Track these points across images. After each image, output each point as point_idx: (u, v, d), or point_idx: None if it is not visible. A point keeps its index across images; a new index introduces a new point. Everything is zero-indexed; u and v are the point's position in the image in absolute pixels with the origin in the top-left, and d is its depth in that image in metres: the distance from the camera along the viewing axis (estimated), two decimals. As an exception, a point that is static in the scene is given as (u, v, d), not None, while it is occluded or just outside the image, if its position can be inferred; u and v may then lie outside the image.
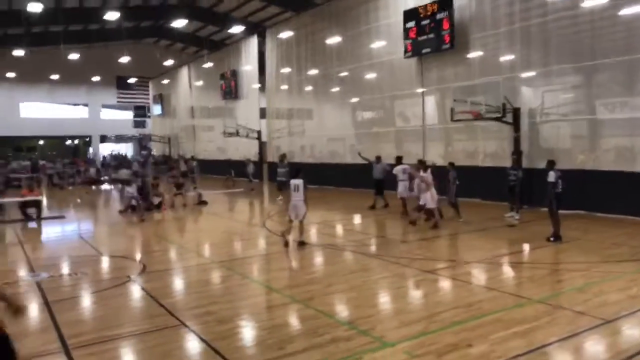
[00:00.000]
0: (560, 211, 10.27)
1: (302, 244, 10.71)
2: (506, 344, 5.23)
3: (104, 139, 50.44)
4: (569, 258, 8.96)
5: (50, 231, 14.57)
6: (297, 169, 11.43)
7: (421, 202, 12.54)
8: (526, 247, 10.25)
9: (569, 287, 7.30)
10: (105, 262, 10.29)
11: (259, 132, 28.81)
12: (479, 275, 8.32)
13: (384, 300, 7.19)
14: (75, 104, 47.62)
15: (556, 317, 6.07)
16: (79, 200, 23.00)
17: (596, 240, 10.39)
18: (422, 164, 13.18)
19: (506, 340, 5.35)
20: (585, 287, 7.22)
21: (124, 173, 27.35)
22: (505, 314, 6.19)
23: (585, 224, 12.09)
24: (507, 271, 8.60)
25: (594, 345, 5.33)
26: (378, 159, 16.17)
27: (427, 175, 12.56)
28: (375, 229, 13.28)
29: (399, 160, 14.96)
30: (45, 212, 17.16)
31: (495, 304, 6.62)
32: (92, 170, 29.31)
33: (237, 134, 28.33)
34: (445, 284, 7.80)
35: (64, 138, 50.00)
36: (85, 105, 47.74)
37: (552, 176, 9.94)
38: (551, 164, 10.29)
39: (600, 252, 9.34)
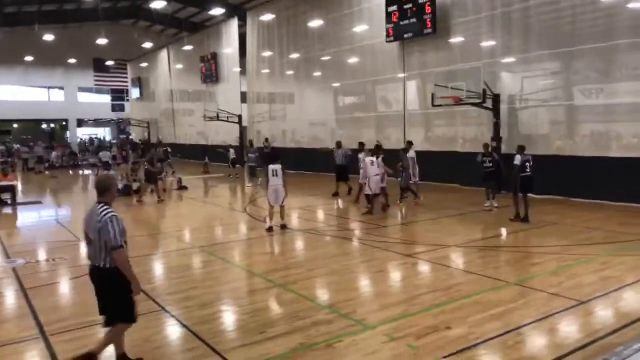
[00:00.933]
0: (537, 196, 10.51)
1: (283, 227, 10.88)
2: (483, 326, 5.35)
3: (81, 122, 49.45)
4: (545, 242, 9.14)
5: (26, 216, 14.31)
6: (275, 154, 11.54)
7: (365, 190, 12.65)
8: (503, 231, 10.43)
9: (544, 270, 7.46)
10: (83, 248, 10.13)
11: (239, 117, 28.54)
12: (457, 259, 8.45)
13: (364, 283, 7.27)
14: (50, 87, 46.50)
15: (531, 299, 6.21)
16: (55, 185, 22.59)
17: (572, 224, 10.62)
18: (372, 150, 13.34)
19: (483, 322, 5.46)
20: (560, 269, 7.39)
21: (105, 155, 27.00)
22: (482, 296, 6.31)
23: (561, 209, 12.33)
24: (485, 255, 8.74)
25: (568, 325, 5.47)
26: (338, 144, 16.05)
27: (367, 162, 12.60)
28: (355, 214, 13.34)
29: (361, 146, 14.87)
30: (20, 197, 16.83)
31: (473, 286, 6.74)
32: (105, 154, 27.76)
33: (217, 118, 28.03)
34: (424, 267, 7.90)
35: (40, 122, 48.90)
36: (61, 88, 46.62)
37: (517, 159, 10.59)
38: (521, 149, 10.87)
39: (575, 235, 9.56)
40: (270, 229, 10.71)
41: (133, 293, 4.55)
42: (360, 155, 14.08)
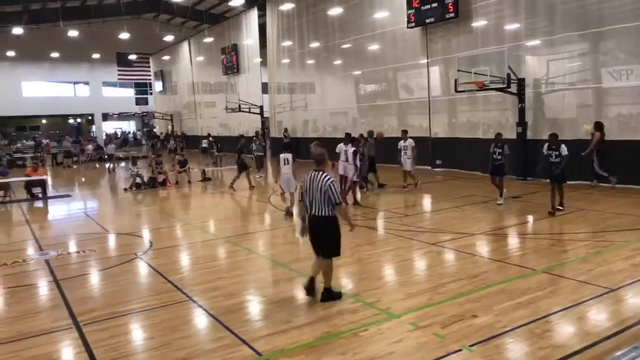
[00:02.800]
0: (568, 182, 10.30)
1: (290, 214, 11.13)
2: (510, 314, 5.29)
3: (106, 117, 50.35)
4: (573, 228, 8.97)
5: (57, 210, 14.68)
6: (286, 144, 12.05)
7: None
8: (530, 218, 10.27)
9: (572, 257, 7.33)
10: (112, 240, 10.39)
11: (261, 107, 28.63)
12: (482, 247, 8.36)
13: (389, 272, 7.26)
14: (76, 82, 47.39)
15: (560, 286, 6.12)
16: (83, 179, 23.10)
17: (600, 210, 10.38)
18: (350, 138, 13.34)
19: (510, 310, 5.41)
20: (589, 256, 7.25)
21: (111, 149, 27.90)
22: (509, 284, 6.24)
23: (589, 195, 12.07)
24: (511, 242, 8.63)
25: (598, 313, 5.38)
26: (370, 134, 15.17)
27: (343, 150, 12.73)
28: (378, 202, 13.29)
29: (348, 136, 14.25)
30: (50, 191, 17.27)
31: (499, 274, 6.68)
32: (111, 147, 29.20)
33: (239, 109, 28.18)
34: (449, 255, 7.84)
35: (67, 117, 49.96)
36: (87, 83, 47.48)
37: (564, 149, 10.01)
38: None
39: (604, 222, 9.35)
40: (289, 214, 11.12)
41: (351, 229, 6.22)
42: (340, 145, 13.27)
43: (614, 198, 11.48)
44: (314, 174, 5.95)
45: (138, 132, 53.48)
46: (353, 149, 12.44)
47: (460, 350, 4.58)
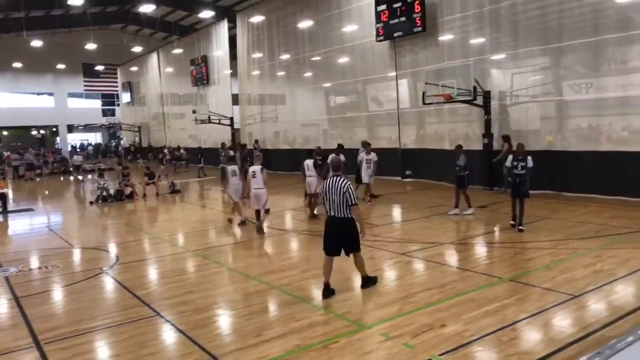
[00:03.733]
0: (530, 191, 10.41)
1: (261, 230, 10.68)
2: (479, 323, 5.37)
3: (71, 128, 49.16)
4: (538, 237, 9.19)
5: (18, 224, 14.20)
6: (245, 156, 11.92)
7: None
8: (496, 228, 10.48)
9: (537, 265, 7.50)
10: (76, 255, 10.10)
11: (231, 119, 28.48)
12: (451, 257, 8.48)
13: (359, 284, 7.26)
14: (40, 93, 46.22)
15: (526, 294, 6.25)
16: (46, 192, 22.44)
17: (563, 218, 10.68)
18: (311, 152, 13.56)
19: (479, 318, 5.49)
20: (553, 264, 7.44)
21: (78, 160, 27.63)
22: (477, 293, 6.34)
23: (553, 204, 12.40)
24: (478, 252, 8.78)
25: (562, 320, 5.51)
26: (364, 144, 14.96)
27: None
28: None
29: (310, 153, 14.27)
30: (11, 205, 16.70)
31: (467, 283, 6.77)
32: (77, 158, 29.47)
33: (209, 120, 27.96)
34: (419, 265, 7.92)
35: (30, 128, 48.57)
36: (51, 94, 46.37)
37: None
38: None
39: (567, 230, 9.61)
40: (259, 230, 10.71)
41: (361, 235, 6.65)
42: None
43: (576, 207, 11.84)
44: (333, 179, 6.48)
45: (114, 143, 52.09)
46: (312, 160, 12.62)
47: (430, 359, 4.62)
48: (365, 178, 14.02)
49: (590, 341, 4.79)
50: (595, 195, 12.70)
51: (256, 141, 26.08)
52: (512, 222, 9.94)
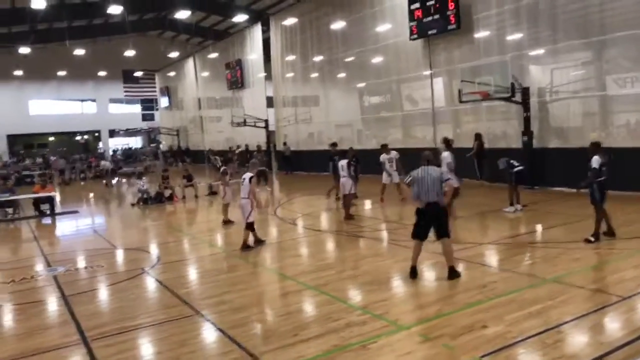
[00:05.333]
0: (572, 189, 10.04)
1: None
2: (521, 324, 5.23)
3: (112, 133, 50.69)
4: (583, 236, 8.86)
5: (65, 226, 14.73)
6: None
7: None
8: (539, 227, 10.19)
9: (583, 266, 7.25)
10: (119, 255, 10.40)
11: (266, 121, 28.78)
12: (491, 257, 8.30)
13: (397, 284, 7.20)
14: (83, 100, 47.89)
15: (571, 295, 6.05)
16: (91, 195, 23.21)
17: (611, 217, 10.26)
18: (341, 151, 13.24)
19: (521, 320, 5.35)
20: (600, 264, 7.18)
21: (106, 165, 28.67)
22: (519, 294, 6.18)
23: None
24: (521, 251, 8.55)
25: (611, 322, 5.31)
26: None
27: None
28: (385, 214, 13.25)
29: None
30: (58, 208, 17.35)
31: (509, 284, 6.61)
32: (105, 164, 30.58)
33: (244, 123, 28.34)
34: (459, 266, 7.77)
35: (74, 134, 50.39)
36: (93, 100, 48.00)
37: (595, 161, 8.58)
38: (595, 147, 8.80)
39: (615, 229, 9.23)
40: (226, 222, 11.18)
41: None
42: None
43: (623, 206, 11.36)
44: (427, 168, 6.98)
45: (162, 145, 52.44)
46: (346, 161, 12.38)
47: (471, 361, 4.53)
48: (394, 177, 14.04)
49: (641, 344, 4.59)
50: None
51: (284, 143, 26.24)
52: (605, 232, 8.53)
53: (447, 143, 12.18)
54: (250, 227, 9.62)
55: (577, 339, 4.99)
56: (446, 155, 11.23)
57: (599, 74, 14.33)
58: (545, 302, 5.82)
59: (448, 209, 7.26)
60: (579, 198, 11.77)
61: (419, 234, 7.07)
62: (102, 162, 31.25)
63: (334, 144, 15.20)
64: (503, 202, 11.83)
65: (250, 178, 9.59)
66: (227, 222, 12.46)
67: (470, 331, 5.16)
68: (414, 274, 7.06)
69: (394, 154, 14.30)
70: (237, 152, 29.97)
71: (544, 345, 4.76)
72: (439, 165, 11.16)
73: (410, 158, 13.70)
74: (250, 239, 9.77)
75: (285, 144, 26.33)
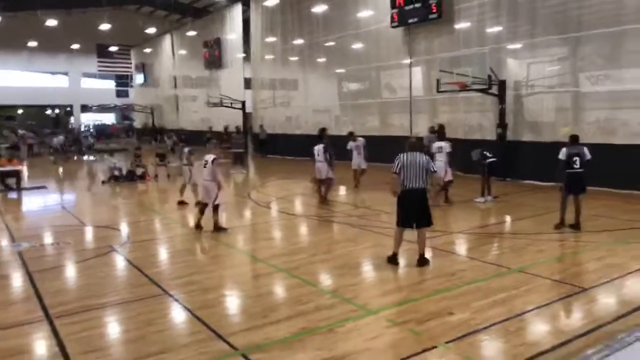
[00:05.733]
0: (543, 183, 10.31)
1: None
2: (486, 312, 5.34)
3: (85, 108, 49.46)
4: (549, 229, 9.08)
5: (31, 201, 14.36)
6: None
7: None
8: (508, 218, 10.40)
9: (548, 257, 7.44)
10: (88, 232, 10.21)
11: (243, 103, 28.47)
12: (461, 246, 8.44)
13: (368, 269, 7.27)
14: (54, 73, 46.47)
15: (535, 285, 6.20)
16: (60, 171, 22.66)
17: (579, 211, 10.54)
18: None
19: (486, 308, 5.46)
20: (564, 256, 7.37)
21: (59, 141, 28.52)
22: (486, 283, 6.30)
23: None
24: (489, 241, 8.72)
25: (572, 312, 5.47)
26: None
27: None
28: (360, 200, 13.32)
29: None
30: (25, 183, 16.90)
31: (476, 273, 6.74)
32: (56, 140, 29.70)
33: (221, 104, 27.98)
34: (427, 254, 7.87)
35: (44, 107, 48.96)
36: (65, 74, 46.61)
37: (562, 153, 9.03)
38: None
39: (584, 222, 9.49)
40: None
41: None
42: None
43: (589, 200, 11.65)
44: (412, 154, 6.94)
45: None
46: (322, 145, 12.33)
47: (435, 347, 4.61)
48: (362, 164, 14.39)
49: (599, 334, 4.74)
50: (608, 189, 12.53)
51: (260, 126, 26.01)
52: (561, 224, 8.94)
53: (442, 131, 12.26)
54: (216, 209, 9.44)
55: (539, 327, 5.13)
56: (445, 145, 11.44)
57: (573, 70, 14.60)
58: (510, 291, 5.96)
59: (436, 197, 7.22)
60: (548, 191, 12.09)
61: (405, 221, 7.05)
62: (55, 139, 30.14)
63: (324, 130, 15.06)
64: (474, 193, 12.03)
65: (213, 160, 9.41)
66: (181, 203, 12.28)
67: (437, 317, 5.24)
68: (395, 260, 7.05)
69: (360, 141, 14.50)
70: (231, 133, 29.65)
71: (507, 333, 4.88)
72: (428, 152, 11.46)
73: (387, 146, 13.91)
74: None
75: (261, 126, 26.14)
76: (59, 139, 30.09)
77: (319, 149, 12.28)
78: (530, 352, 4.45)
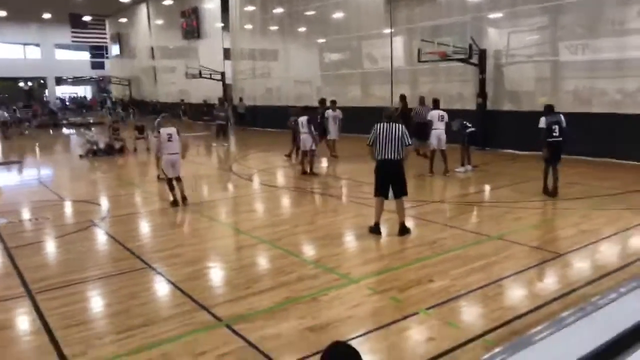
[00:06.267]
0: (521, 152, 10.46)
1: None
2: (465, 279, 5.47)
3: (60, 81, 48.13)
4: (527, 197, 9.26)
5: (7, 177, 14.07)
6: (158, 112, 11.38)
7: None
8: (487, 187, 10.55)
9: (526, 224, 7.60)
10: (67, 207, 10.07)
11: (222, 74, 27.99)
12: (441, 215, 8.56)
13: (350, 239, 7.35)
14: (25, 44, 44.93)
15: (513, 252, 6.35)
16: (35, 146, 22.18)
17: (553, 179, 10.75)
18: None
19: (465, 275, 5.58)
20: (541, 224, 7.54)
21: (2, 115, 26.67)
22: (465, 250, 6.43)
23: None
24: (469, 210, 8.86)
25: (547, 277, 5.63)
26: (421, 100, 14.14)
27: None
28: (342, 172, 13.36)
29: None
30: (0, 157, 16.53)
31: (456, 241, 6.86)
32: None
33: (200, 75, 27.48)
34: (409, 223, 7.95)
35: (16, 80, 47.50)
36: (37, 45, 45.09)
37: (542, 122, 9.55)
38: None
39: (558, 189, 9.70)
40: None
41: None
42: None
43: (566, 168, 11.88)
44: (389, 124, 6.87)
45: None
46: (306, 118, 12.26)
47: (416, 313, 4.72)
48: (333, 134, 14.55)
49: (574, 297, 4.90)
50: (585, 158, 12.77)
51: (240, 99, 25.66)
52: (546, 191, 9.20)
53: (437, 104, 12.14)
54: (179, 180, 9.33)
55: (516, 292, 5.27)
56: (445, 114, 11.68)
57: (553, 40, 14.64)
58: (488, 258, 6.09)
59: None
60: (527, 160, 12.27)
61: (382, 192, 7.09)
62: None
63: (324, 100, 14.99)
64: (454, 163, 12.13)
65: (178, 131, 9.33)
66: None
67: (418, 285, 5.35)
68: (377, 230, 7.13)
69: (338, 112, 14.55)
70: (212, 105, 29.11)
71: (486, 298, 5.01)
72: (424, 122, 11.56)
73: (368, 117, 13.83)
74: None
75: (241, 99, 25.78)
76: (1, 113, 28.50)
77: (302, 120, 12.19)
78: (508, 315, 4.58)
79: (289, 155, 14.60)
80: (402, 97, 14.98)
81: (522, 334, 3.91)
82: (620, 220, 7.54)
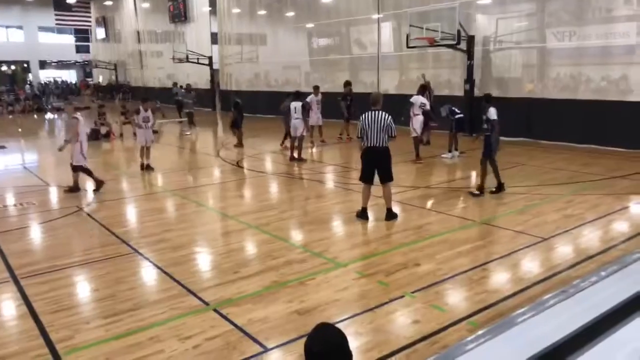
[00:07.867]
0: (507, 138, 10.49)
1: (148, 167, 11.45)
2: (451, 263, 5.54)
3: (44, 64, 47.23)
4: (513, 182, 9.35)
5: (-9, 162, 13.86)
6: (144, 98, 12.26)
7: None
8: (473, 173, 10.62)
9: (510, 209, 7.70)
10: (52, 193, 9.97)
11: (210, 58, 27.68)
12: (427, 200, 8.62)
13: (337, 224, 7.39)
14: (8, 26, 43.94)
15: (498, 236, 6.44)
16: (19, 130, 21.84)
17: (538, 165, 10.89)
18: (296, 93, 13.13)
19: (451, 259, 5.66)
20: (525, 209, 7.64)
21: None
22: (451, 235, 6.51)
23: (529, 151, 12.59)
24: (455, 195, 8.93)
25: (531, 261, 5.72)
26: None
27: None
28: (329, 157, 13.36)
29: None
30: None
31: (442, 226, 6.94)
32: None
33: (187, 59, 27.15)
34: (396, 208, 8.03)
35: (-1, 63, 46.56)
36: (20, 27, 44.12)
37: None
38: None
39: (541, 176, 9.83)
40: (144, 167, 11.44)
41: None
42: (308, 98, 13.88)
43: (551, 155, 12.04)
44: (375, 113, 6.98)
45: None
46: (300, 103, 12.29)
47: (402, 296, 4.78)
48: (318, 119, 14.62)
49: (556, 280, 5.00)
50: (570, 144, 12.92)
51: (187, 86, 24.31)
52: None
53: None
54: (76, 169, 9.42)
55: (500, 275, 5.36)
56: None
57: (540, 26, 14.68)
58: (474, 243, 6.18)
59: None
60: (512, 146, 12.38)
61: (366, 177, 7.22)
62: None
63: (318, 87, 14.87)
64: (442, 149, 12.20)
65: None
66: (148, 168, 11.60)
67: (404, 269, 5.42)
68: (365, 215, 7.23)
69: (320, 97, 14.55)
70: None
71: (471, 282, 5.09)
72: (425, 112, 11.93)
73: (358, 102, 13.85)
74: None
75: (218, 84, 25.36)
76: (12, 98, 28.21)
77: (297, 106, 12.11)
78: (492, 298, 4.67)
79: (283, 144, 14.39)
80: (347, 83, 15.61)
81: (506, 316, 3.98)
82: (602, 205, 7.67)
